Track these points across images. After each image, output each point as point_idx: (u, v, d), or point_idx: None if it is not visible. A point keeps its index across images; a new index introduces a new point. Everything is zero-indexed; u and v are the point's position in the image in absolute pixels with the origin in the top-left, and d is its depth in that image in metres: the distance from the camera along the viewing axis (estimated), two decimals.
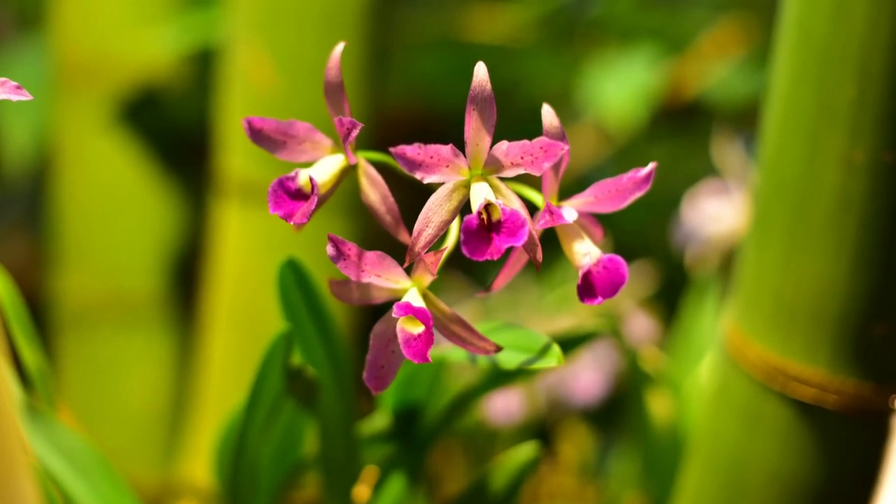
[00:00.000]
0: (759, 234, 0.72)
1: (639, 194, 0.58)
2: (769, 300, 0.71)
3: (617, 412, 1.13)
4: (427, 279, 0.57)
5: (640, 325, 1.12)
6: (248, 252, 1.02)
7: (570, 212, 0.56)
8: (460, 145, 0.55)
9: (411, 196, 0.66)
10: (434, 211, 0.55)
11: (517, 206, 0.55)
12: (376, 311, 0.59)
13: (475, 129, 0.55)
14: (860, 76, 0.65)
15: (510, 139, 0.55)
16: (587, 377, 1.11)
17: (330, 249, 0.55)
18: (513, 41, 1.40)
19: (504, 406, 1.09)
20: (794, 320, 0.69)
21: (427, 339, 0.55)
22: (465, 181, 0.56)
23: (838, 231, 0.67)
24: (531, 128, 0.60)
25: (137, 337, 1.19)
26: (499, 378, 0.71)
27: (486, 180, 0.55)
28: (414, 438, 0.70)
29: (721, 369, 0.76)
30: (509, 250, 0.58)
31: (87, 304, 1.18)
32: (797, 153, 0.68)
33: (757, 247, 0.72)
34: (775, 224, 0.70)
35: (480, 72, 0.54)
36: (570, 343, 0.70)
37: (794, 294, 0.69)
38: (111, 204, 1.18)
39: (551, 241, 0.60)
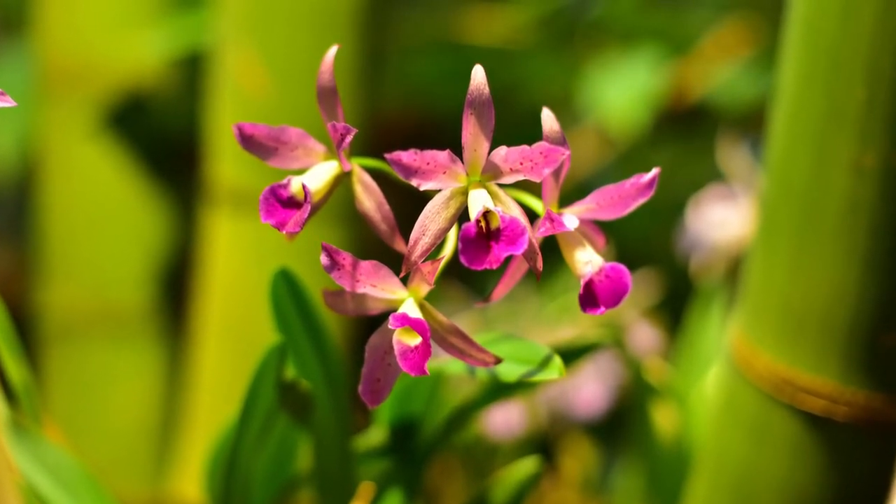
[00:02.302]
0: (767, 240, 0.72)
1: (642, 201, 0.58)
2: (777, 309, 0.71)
3: (620, 425, 1.13)
4: (424, 289, 0.57)
5: (644, 336, 1.12)
6: (239, 262, 1.02)
7: (571, 219, 0.56)
8: (458, 151, 0.55)
9: (408, 204, 0.66)
10: (431, 219, 0.55)
11: (516, 213, 0.55)
12: (372, 323, 0.59)
13: (473, 134, 0.55)
14: (869, 77, 0.65)
15: (509, 144, 0.55)
16: (590, 389, 1.10)
17: (324, 259, 0.55)
18: (511, 43, 1.40)
19: (504, 419, 1.09)
20: (803, 330, 0.69)
21: (424, 352, 0.55)
22: (463, 188, 0.56)
23: (848, 237, 0.67)
24: (531, 132, 0.60)
25: (126, 350, 1.19)
26: (498, 391, 0.71)
27: (485, 187, 0.55)
28: (411, 453, 0.70)
29: (728, 381, 0.76)
30: (508, 259, 0.58)
31: (73, 316, 1.18)
32: (805, 157, 0.68)
33: (764, 254, 0.72)
34: (783, 230, 0.70)
35: (478, 75, 0.54)
36: (571, 354, 0.70)
37: (803, 302, 0.69)
38: (98, 213, 1.18)
39: (552, 250, 0.60)
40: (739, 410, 0.74)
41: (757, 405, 0.72)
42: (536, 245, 0.56)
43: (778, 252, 0.71)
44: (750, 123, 1.32)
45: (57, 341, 1.19)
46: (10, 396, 0.68)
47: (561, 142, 0.56)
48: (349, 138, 0.56)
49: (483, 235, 0.54)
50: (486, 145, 0.55)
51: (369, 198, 0.59)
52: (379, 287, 0.56)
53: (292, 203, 0.57)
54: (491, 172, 0.55)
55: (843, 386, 0.69)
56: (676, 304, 1.15)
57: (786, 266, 0.70)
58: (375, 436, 0.71)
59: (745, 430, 0.73)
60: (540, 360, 0.59)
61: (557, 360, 0.58)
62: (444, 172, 0.55)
